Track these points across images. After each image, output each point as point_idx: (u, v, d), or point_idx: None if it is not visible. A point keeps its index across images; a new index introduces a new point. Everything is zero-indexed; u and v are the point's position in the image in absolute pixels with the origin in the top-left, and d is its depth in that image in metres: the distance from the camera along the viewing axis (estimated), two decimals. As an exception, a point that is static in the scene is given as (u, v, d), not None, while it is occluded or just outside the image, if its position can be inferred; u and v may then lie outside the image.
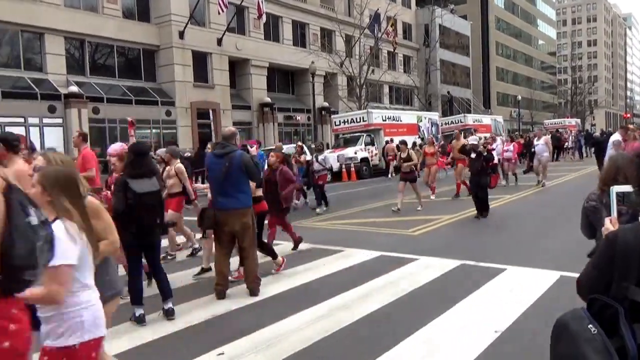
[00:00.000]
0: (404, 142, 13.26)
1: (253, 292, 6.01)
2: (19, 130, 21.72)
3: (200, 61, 28.81)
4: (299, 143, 15.38)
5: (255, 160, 6.32)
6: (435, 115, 33.39)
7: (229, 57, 30.44)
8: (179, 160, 8.35)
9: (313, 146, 15.47)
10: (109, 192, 6.24)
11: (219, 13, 27.39)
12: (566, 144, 31.87)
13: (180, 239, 8.70)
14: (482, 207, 10.57)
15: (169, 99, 27.51)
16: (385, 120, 27.27)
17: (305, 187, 14.17)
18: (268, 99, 32.70)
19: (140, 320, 5.10)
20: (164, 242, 7.93)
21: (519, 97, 58.15)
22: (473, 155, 10.57)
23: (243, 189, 5.98)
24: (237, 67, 32.13)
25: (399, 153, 12.82)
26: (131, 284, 5.23)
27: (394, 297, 5.58)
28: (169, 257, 8.11)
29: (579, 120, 55.57)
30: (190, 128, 28.19)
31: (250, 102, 32.35)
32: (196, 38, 28.04)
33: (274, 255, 7.02)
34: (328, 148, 24.60)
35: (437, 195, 14.42)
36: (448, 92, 49.11)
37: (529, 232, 9.15)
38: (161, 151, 9.96)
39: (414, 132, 27.78)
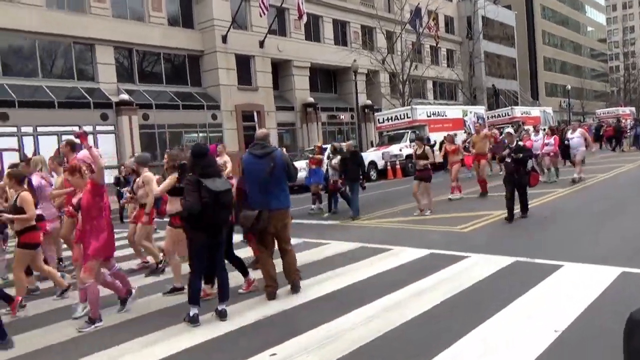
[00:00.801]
0: (420, 138, 12.57)
1: (295, 286, 6.10)
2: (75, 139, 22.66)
3: (243, 64, 29.21)
4: (317, 144, 15.15)
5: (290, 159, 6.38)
6: (481, 109, 32.68)
7: (271, 59, 30.73)
8: (147, 169, 7.63)
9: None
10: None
11: (260, 16, 27.72)
12: (626, 134, 30.40)
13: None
14: (522, 208, 9.91)
15: (215, 102, 28.03)
16: (430, 116, 26.91)
17: (322, 192, 13.61)
18: (311, 99, 32.82)
19: (194, 320, 5.18)
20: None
21: (569, 87, 56.26)
22: (508, 160, 9.87)
23: (284, 188, 6.09)
24: (280, 69, 32.39)
25: (415, 149, 12.13)
26: (192, 282, 5.31)
27: (446, 296, 5.48)
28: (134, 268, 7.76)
29: (633, 109, 53.19)
30: (235, 131, 28.64)
31: (294, 103, 32.55)
32: (239, 42, 28.44)
33: (245, 272, 6.43)
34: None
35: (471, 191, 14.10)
36: (493, 85, 47.97)
37: (584, 227, 8.81)
38: (130, 162, 9.13)
39: (459, 127, 27.28)
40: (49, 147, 21.52)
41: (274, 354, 4.32)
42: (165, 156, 7.06)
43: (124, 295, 5.88)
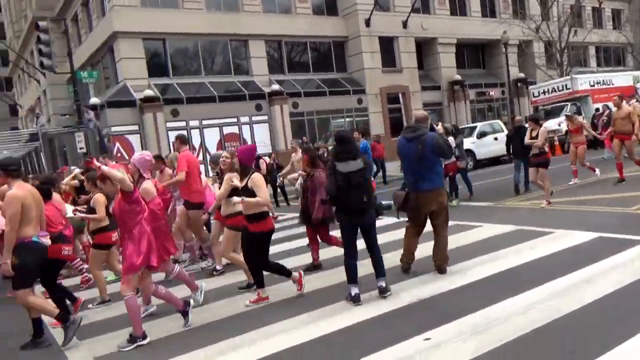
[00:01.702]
0: (533, 119, 10.95)
1: (440, 269, 6.14)
2: (233, 129, 24.65)
3: (387, 46, 29.12)
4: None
5: (445, 138, 6.28)
6: (656, 74, 28.78)
7: (415, 39, 30.19)
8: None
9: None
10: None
11: (402, -5, 27.32)
12: None
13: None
14: None
15: (360, 87, 28.38)
16: (593, 86, 24.37)
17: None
18: (458, 77, 31.66)
19: (356, 300, 5.38)
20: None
21: None
22: None
23: (437, 170, 6.24)
24: (424, 48, 31.69)
25: (530, 130, 10.58)
26: (346, 264, 5.56)
27: (618, 285, 4.97)
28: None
29: None
30: (381, 114, 28.76)
31: (440, 82, 31.70)
32: (382, 24, 28.35)
33: (286, 273, 6.04)
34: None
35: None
36: (672, 45, 41.83)
37: None
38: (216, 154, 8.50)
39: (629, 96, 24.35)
40: (213, 138, 23.83)
41: (428, 339, 4.27)
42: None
43: (182, 308, 5.38)
